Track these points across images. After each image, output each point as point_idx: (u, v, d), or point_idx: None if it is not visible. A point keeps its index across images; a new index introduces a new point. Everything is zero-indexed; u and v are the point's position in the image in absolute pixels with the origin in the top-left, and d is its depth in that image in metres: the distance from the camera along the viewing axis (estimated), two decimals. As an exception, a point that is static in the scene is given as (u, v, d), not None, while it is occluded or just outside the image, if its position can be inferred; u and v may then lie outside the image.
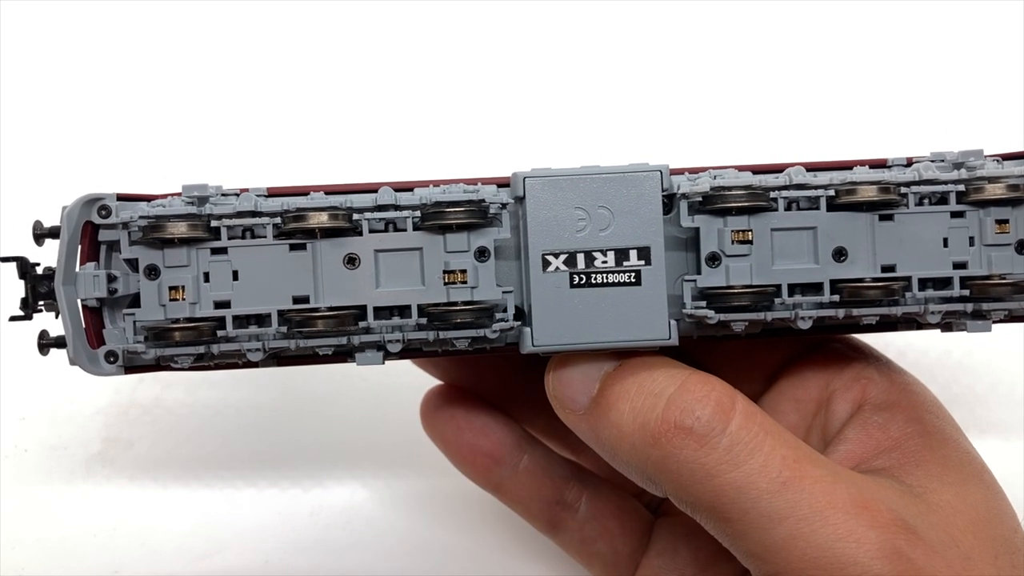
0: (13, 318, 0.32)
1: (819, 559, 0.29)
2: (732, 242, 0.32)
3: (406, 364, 0.41)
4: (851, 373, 0.37)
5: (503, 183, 0.33)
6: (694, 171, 0.34)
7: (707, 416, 0.31)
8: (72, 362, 0.31)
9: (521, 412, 0.44)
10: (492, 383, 0.44)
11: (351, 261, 0.32)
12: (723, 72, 0.55)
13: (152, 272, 0.31)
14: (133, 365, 0.32)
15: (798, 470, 0.31)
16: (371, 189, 0.32)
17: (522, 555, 0.49)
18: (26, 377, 0.51)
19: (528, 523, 0.44)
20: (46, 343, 0.33)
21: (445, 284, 0.32)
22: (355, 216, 0.32)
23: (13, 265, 0.32)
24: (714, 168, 0.33)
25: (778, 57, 0.55)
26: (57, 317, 0.33)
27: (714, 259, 0.32)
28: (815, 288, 0.33)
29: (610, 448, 0.33)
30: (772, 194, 0.33)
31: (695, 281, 0.33)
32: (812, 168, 0.33)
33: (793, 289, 0.33)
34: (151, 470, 0.51)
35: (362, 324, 0.32)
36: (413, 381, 0.43)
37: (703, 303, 0.32)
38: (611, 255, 0.32)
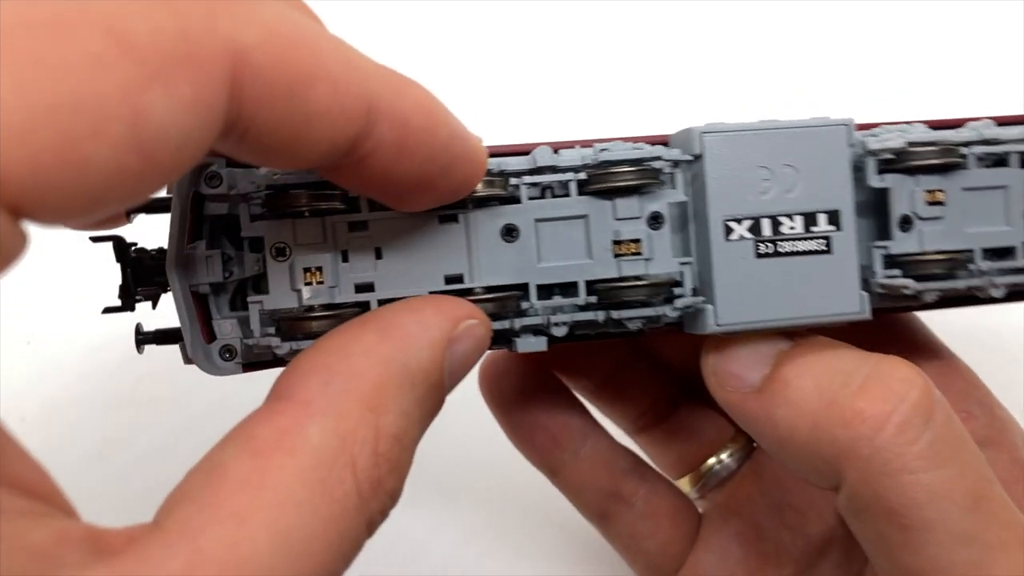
0: (109, 310, 0.27)
1: None
2: (925, 203, 0.29)
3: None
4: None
5: (658, 142, 0.29)
6: (863, 127, 0.30)
7: (912, 401, 0.27)
8: (188, 360, 0.26)
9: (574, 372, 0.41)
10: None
11: (509, 232, 0.27)
12: (739, 42, 0.54)
13: (282, 252, 0.26)
14: (251, 362, 0.28)
15: (989, 489, 0.27)
16: (522, 151, 0.28)
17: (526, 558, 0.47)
18: (25, 377, 0.48)
19: (577, 510, 0.41)
20: (144, 339, 0.27)
21: (615, 256, 0.28)
22: (512, 181, 0.27)
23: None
24: (890, 123, 0.30)
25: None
26: (154, 307, 0.28)
27: (906, 222, 0.29)
28: (1006, 253, 0.30)
29: (785, 428, 0.29)
30: (962, 150, 0.29)
31: (887, 247, 0.29)
32: (1002, 122, 0.30)
33: (985, 254, 0.30)
34: (151, 470, 0.47)
35: (524, 305, 0.28)
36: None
37: (897, 272, 0.29)
38: (799, 220, 0.28)
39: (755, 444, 0.41)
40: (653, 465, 0.42)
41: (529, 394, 0.39)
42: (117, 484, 0.47)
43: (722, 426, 0.42)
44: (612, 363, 0.41)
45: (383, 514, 0.22)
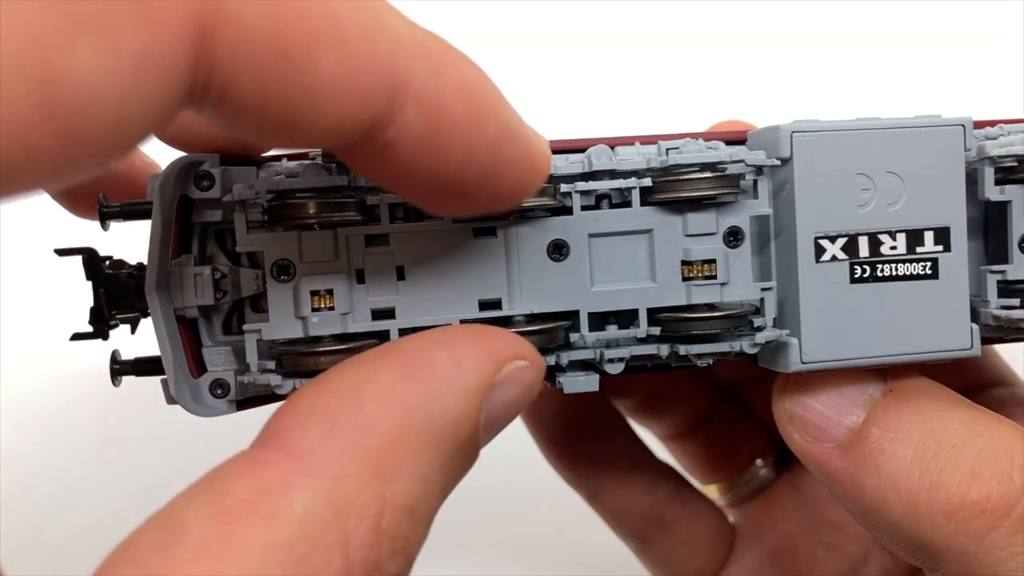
0: (77, 336, 0.22)
1: None
2: None
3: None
4: None
5: (733, 139, 0.25)
6: (978, 125, 0.25)
7: None
8: (172, 400, 0.22)
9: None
10: None
11: (558, 250, 0.23)
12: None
13: (285, 271, 0.22)
14: (247, 398, 0.23)
15: None
16: (571, 147, 0.24)
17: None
18: (22, 380, 0.46)
19: (613, 531, 0.38)
20: (121, 369, 0.23)
21: (684, 280, 0.23)
22: (564, 187, 0.23)
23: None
24: (1007, 121, 0.25)
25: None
26: (134, 332, 0.23)
27: None
28: None
29: (874, 500, 0.25)
30: None
31: (1004, 272, 0.25)
32: None
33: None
34: (149, 471, 0.46)
35: (573, 337, 0.23)
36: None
37: (1014, 301, 0.25)
38: (901, 239, 0.24)
39: (784, 446, 0.38)
40: (684, 473, 0.39)
41: (572, 415, 0.36)
42: (115, 485, 0.45)
43: (758, 436, 0.39)
44: (655, 377, 0.37)
45: None
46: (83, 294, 0.23)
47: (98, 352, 0.25)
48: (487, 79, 0.18)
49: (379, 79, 0.16)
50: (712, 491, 0.40)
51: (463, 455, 0.19)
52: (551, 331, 0.23)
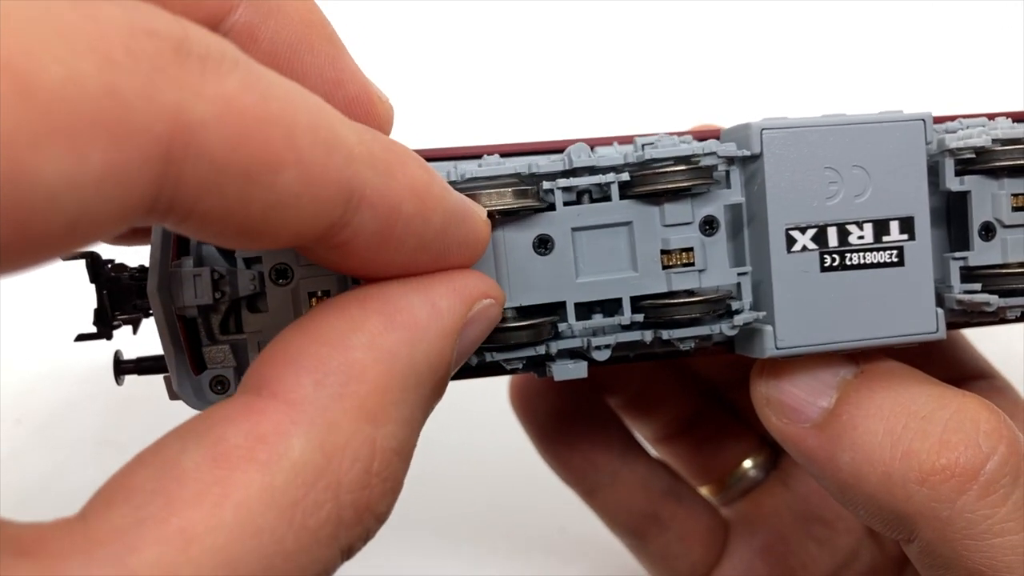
0: (82, 337, 0.23)
1: None
2: (1011, 209, 0.26)
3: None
4: None
5: (706, 136, 0.26)
6: (937, 121, 0.27)
7: (1000, 459, 0.24)
8: (175, 396, 0.23)
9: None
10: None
11: (543, 244, 0.24)
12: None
13: (283, 274, 0.23)
14: None
15: None
16: (553, 148, 0.25)
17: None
18: (21, 379, 0.46)
19: (609, 529, 0.39)
20: (125, 368, 0.24)
21: (664, 268, 0.24)
22: (546, 185, 0.24)
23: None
24: (965, 116, 0.27)
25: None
26: (135, 332, 0.24)
27: (988, 230, 0.26)
28: None
29: (850, 474, 0.26)
30: None
31: (965, 258, 0.26)
32: None
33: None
34: None
35: (561, 326, 0.24)
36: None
37: (976, 286, 0.26)
38: (868, 228, 0.25)
39: (772, 445, 0.39)
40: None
41: (566, 412, 0.37)
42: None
43: (746, 436, 0.40)
44: (642, 377, 0.38)
45: (366, 540, 0.18)
46: (82, 294, 0.24)
47: (99, 351, 0.26)
48: (430, 172, 0.20)
49: (336, 190, 0.17)
50: (705, 492, 0.40)
51: (438, 392, 0.20)
52: (539, 326, 0.24)
